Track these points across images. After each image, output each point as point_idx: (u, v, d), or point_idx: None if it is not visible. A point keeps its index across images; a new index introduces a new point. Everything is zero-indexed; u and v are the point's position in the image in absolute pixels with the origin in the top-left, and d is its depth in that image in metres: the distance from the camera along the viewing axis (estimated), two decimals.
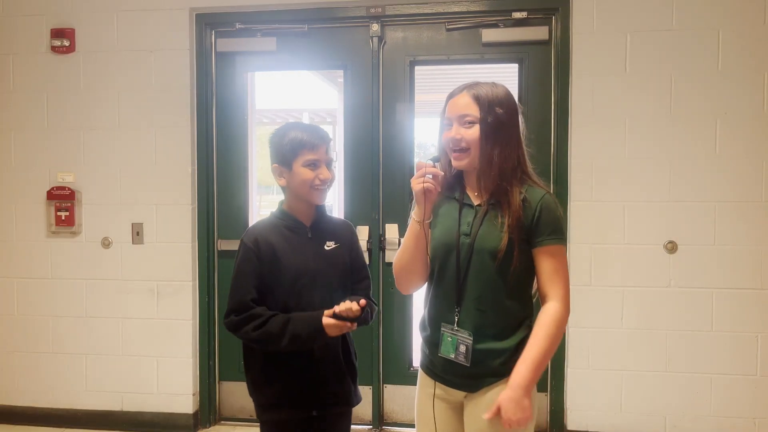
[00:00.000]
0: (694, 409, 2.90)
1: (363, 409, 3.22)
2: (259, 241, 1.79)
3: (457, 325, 1.64)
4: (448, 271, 1.66)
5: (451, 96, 1.67)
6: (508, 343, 1.62)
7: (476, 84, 1.65)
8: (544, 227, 1.61)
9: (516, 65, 3.10)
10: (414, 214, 1.67)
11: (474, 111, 1.61)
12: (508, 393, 1.55)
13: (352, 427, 1.99)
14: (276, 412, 1.83)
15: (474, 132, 1.61)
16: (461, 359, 1.63)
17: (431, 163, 1.63)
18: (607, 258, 2.92)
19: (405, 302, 3.21)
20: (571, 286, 2.87)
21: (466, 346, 1.62)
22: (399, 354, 3.23)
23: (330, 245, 1.87)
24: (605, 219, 2.91)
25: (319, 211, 1.89)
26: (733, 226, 2.84)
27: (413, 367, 3.23)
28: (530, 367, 1.55)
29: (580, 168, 2.93)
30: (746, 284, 2.84)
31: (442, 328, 1.67)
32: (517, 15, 3.00)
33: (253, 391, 1.87)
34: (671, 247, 2.87)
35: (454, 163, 1.66)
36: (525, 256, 1.62)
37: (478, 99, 1.61)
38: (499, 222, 1.60)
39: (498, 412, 1.55)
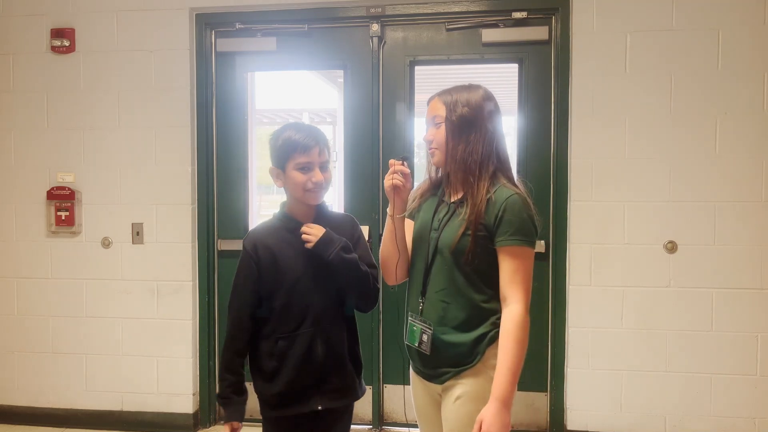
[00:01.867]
0: (694, 409, 2.90)
1: (363, 409, 3.22)
2: (257, 246, 1.78)
3: (422, 315, 1.71)
4: (419, 264, 1.75)
5: (428, 101, 1.77)
6: (469, 336, 1.65)
7: (450, 89, 1.73)
8: (506, 226, 1.61)
9: (516, 65, 3.10)
10: (388, 209, 1.76)
11: (441, 112, 1.70)
12: (489, 407, 1.55)
13: (353, 427, 1.99)
14: (281, 409, 1.81)
15: (441, 131, 1.69)
16: (423, 348, 1.70)
17: (401, 161, 1.72)
18: (607, 258, 2.92)
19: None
20: (571, 286, 2.94)
21: (428, 335, 1.69)
22: (399, 354, 3.22)
23: None
24: (605, 219, 2.91)
25: (319, 209, 1.84)
26: (733, 226, 2.84)
27: None
28: (508, 377, 1.56)
29: (580, 168, 2.93)
30: (746, 284, 2.84)
31: (409, 318, 1.75)
32: (517, 15, 3.00)
33: (256, 387, 1.86)
34: (671, 247, 2.87)
35: (431, 159, 1.75)
36: (485, 252, 1.63)
37: (444, 101, 1.70)
38: (460, 218, 1.65)
39: (480, 427, 1.55)
